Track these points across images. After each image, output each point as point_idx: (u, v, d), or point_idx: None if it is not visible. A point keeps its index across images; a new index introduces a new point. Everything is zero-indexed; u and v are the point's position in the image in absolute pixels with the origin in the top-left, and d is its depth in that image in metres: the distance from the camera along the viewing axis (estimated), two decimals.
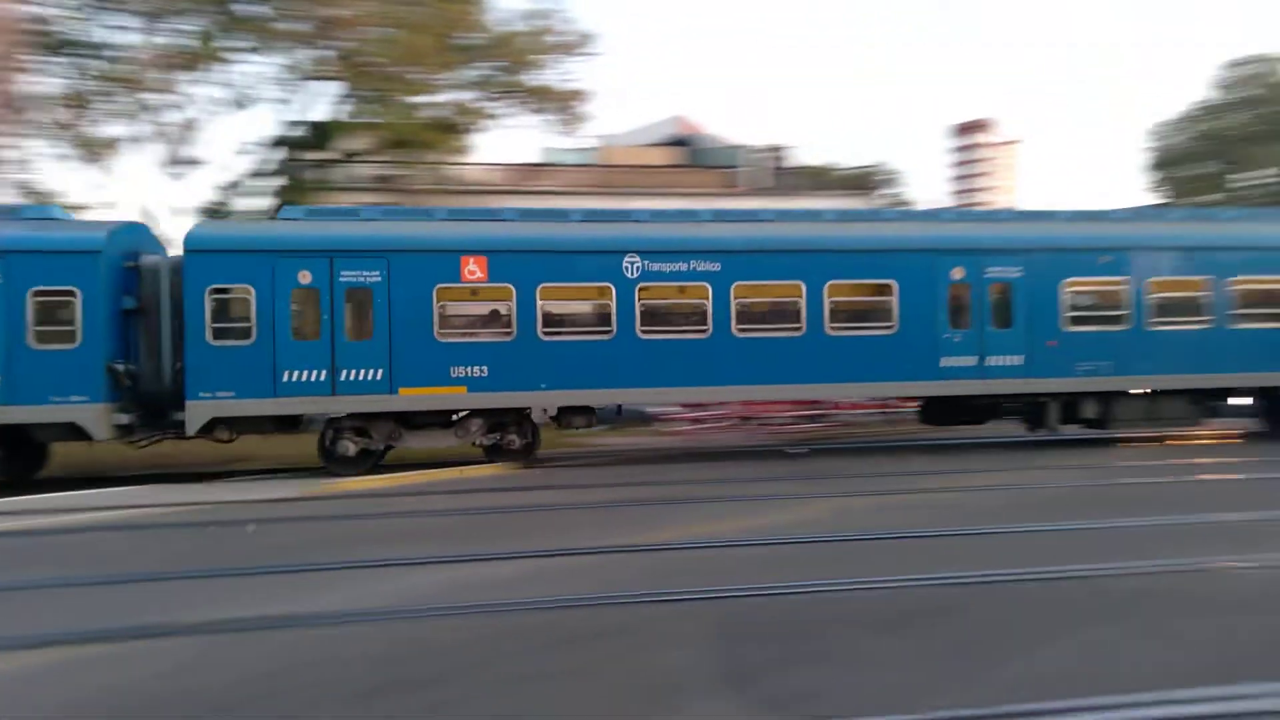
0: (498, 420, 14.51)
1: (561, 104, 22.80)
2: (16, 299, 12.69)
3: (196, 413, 13.11)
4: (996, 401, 15.83)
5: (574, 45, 22.78)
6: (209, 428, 13.37)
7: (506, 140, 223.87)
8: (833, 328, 14.87)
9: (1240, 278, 15.66)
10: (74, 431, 13.01)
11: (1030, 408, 15.94)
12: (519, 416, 14.70)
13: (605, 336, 14.41)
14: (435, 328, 13.90)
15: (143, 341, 13.52)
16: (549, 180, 30.42)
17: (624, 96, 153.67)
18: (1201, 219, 18.58)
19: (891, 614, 5.90)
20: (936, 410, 16.44)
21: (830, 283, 14.88)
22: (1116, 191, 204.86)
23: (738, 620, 5.94)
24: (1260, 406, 16.56)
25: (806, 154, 37.05)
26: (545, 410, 15.00)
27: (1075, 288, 15.52)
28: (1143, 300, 15.42)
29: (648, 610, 6.12)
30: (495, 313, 14.34)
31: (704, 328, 14.61)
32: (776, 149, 36.13)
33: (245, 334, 13.31)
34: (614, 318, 14.41)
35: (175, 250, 14.36)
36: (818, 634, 5.53)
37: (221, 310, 13.32)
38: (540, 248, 14.55)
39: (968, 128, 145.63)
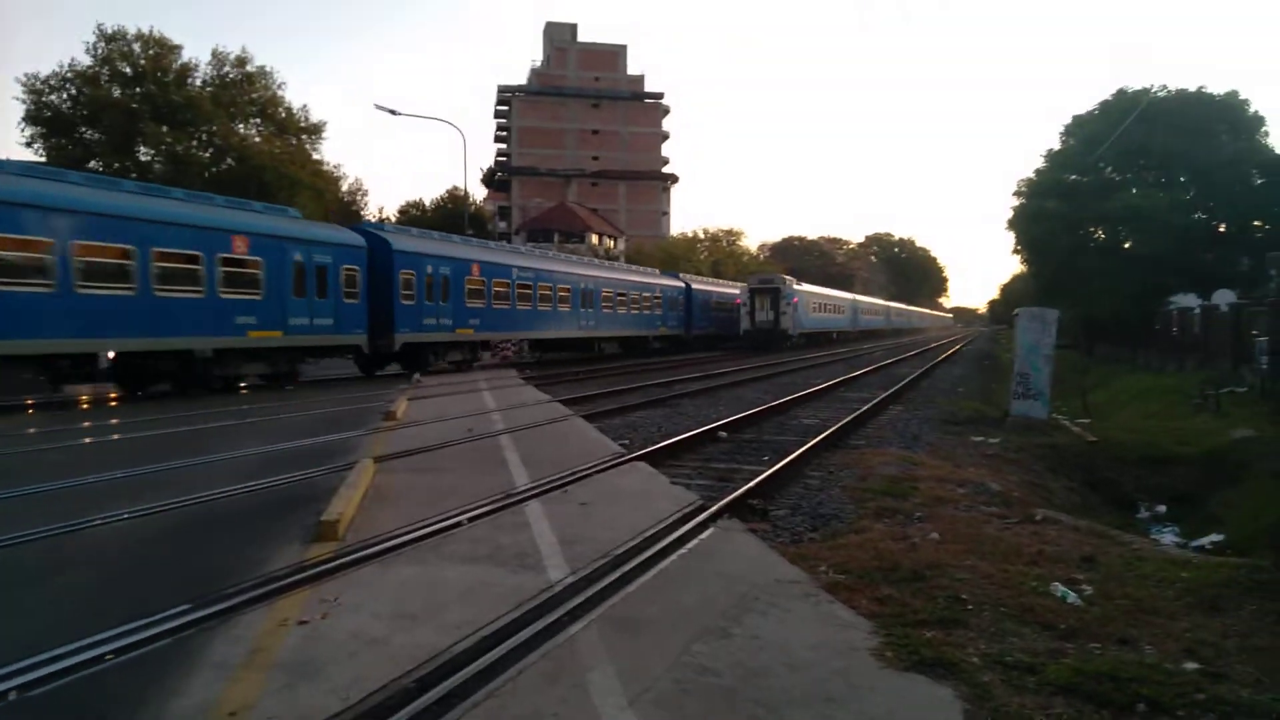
0: (471, 349, 28.92)
1: None
2: (335, 273, 22.24)
3: (399, 339, 24.46)
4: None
5: None
6: (403, 347, 24.78)
7: None
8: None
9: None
10: (351, 350, 23.92)
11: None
12: (476, 348, 29.49)
13: (508, 305, 29.90)
14: (465, 299, 27.44)
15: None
16: None
17: None
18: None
19: None
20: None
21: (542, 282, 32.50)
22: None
23: None
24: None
25: None
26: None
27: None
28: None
29: None
30: (480, 292, 28.26)
31: (530, 305, 31.44)
32: None
33: (413, 298, 24.99)
34: (512, 298, 30.16)
35: None
36: None
37: (405, 285, 24.66)
38: (514, 264, 30.94)
39: None
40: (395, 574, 5.67)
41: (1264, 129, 40.40)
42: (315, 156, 48.04)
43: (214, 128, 42.42)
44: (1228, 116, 40.33)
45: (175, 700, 3.82)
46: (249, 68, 44.87)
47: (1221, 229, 40.60)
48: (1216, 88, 42.56)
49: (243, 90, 44.67)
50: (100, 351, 16.88)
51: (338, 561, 5.87)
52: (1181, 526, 12.00)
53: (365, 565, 5.85)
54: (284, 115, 46.20)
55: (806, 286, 54.10)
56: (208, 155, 43.53)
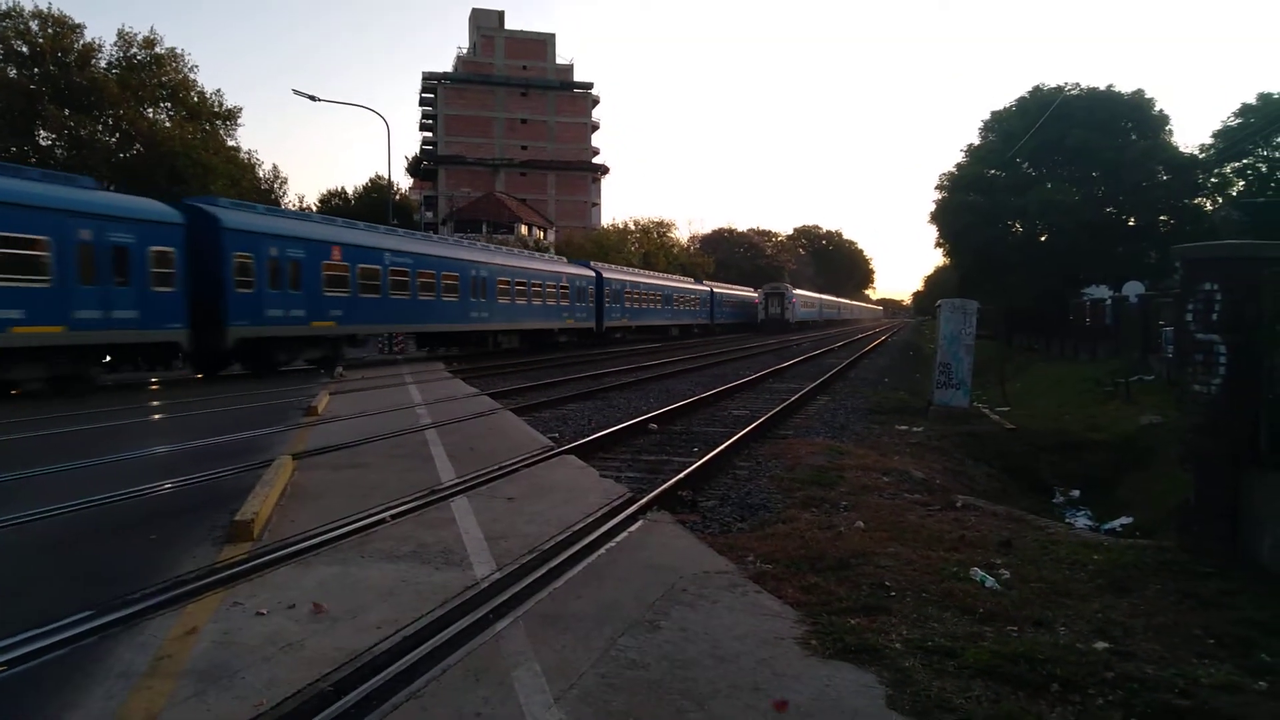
0: (625, 331, 48.69)
1: None
2: (585, 294, 41.52)
3: (605, 324, 43.69)
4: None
5: None
6: (605, 329, 44.17)
7: None
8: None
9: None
10: (589, 329, 42.69)
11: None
12: (628, 331, 49.15)
13: (639, 305, 49.64)
14: (624, 302, 46.84)
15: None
16: None
17: None
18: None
19: None
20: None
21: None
22: None
23: None
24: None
25: None
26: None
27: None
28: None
29: None
30: (633, 297, 48.69)
31: (648, 305, 51.74)
32: None
33: (608, 302, 43.97)
34: (639, 300, 49.85)
35: None
36: None
37: (607, 296, 43.93)
38: (641, 280, 50.79)
39: None
40: (313, 574, 5.48)
41: (1168, 127, 42.25)
42: (230, 143, 46.34)
43: (120, 112, 40.52)
44: (1135, 115, 42.03)
45: (71, 714, 3.61)
46: (158, 49, 42.90)
47: (1131, 223, 42.33)
48: (1124, 86, 44.34)
49: (151, 73, 42.67)
50: (519, 330, 36.13)
51: (253, 563, 5.66)
52: (1094, 510, 12.47)
53: (282, 566, 5.65)
54: (196, 100, 44.35)
55: (799, 291, 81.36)
56: (114, 140, 41.60)
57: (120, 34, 42.33)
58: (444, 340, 32.38)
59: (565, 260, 44.64)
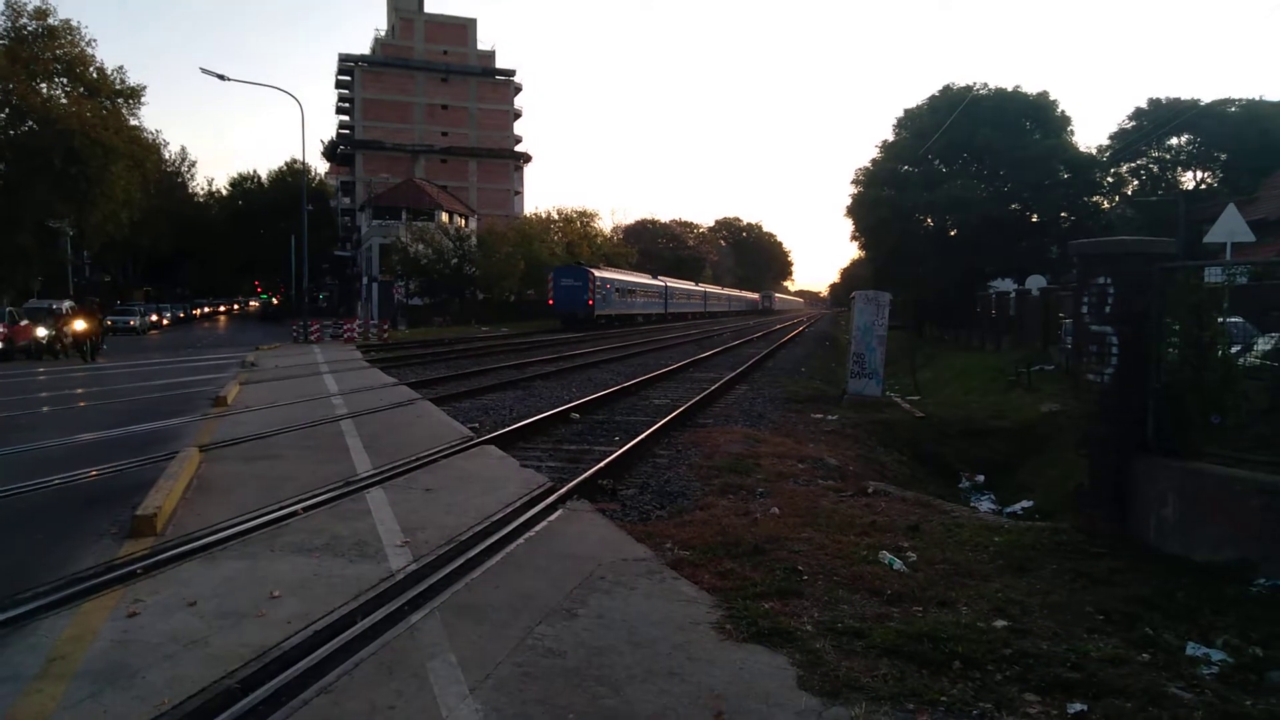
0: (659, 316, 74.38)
1: None
2: (659, 292, 70.66)
3: (670, 310, 71.14)
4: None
5: None
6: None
7: None
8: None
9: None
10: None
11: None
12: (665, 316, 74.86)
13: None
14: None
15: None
16: None
17: None
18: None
19: None
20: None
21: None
22: None
23: None
24: None
25: None
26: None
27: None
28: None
29: None
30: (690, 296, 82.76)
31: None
32: None
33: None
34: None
35: None
36: None
37: (674, 295, 77.40)
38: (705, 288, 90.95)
39: None
40: (220, 569, 5.32)
41: (1070, 128, 44.09)
42: (133, 123, 44.27)
43: (10, 86, 38.26)
44: (1039, 115, 43.72)
45: None
46: (51, 21, 40.56)
47: (1034, 219, 44.07)
48: (1030, 88, 46.03)
49: (44, 45, 40.35)
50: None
51: (155, 559, 5.46)
52: (997, 494, 12.96)
53: (186, 561, 5.47)
54: (95, 76, 42.19)
55: (778, 295, 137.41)
56: (3, 116, 39.28)
57: (9, 4, 39.91)
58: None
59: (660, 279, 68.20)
